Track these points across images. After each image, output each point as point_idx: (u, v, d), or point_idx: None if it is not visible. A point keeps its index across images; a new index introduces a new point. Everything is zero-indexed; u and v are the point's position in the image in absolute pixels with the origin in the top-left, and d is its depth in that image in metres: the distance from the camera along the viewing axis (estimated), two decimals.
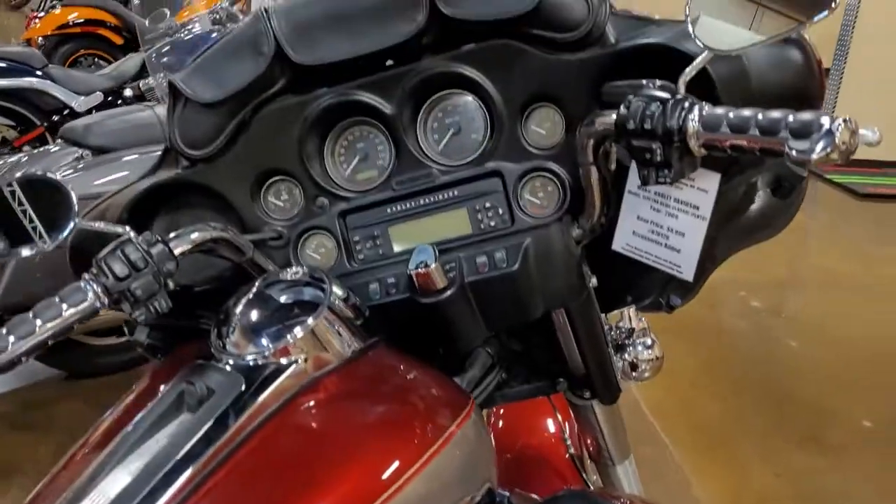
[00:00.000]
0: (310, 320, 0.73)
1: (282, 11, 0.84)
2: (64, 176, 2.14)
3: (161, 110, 2.44)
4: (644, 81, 0.74)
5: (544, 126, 0.86)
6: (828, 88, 6.11)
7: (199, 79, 0.85)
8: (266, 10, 0.84)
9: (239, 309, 0.76)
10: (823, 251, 4.58)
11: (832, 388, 2.94)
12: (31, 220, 0.77)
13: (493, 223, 0.86)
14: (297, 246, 0.90)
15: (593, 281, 0.91)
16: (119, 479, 0.67)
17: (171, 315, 0.76)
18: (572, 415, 1.13)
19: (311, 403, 0.72)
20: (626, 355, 1.11)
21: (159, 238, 0.75)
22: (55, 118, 3.77)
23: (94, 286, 0.71)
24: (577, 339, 0.95)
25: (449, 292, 0.81)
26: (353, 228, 0.88)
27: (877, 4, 5.90)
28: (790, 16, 0.68)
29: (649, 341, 1.11)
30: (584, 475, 1.22)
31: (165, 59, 3.91)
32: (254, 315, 0.76)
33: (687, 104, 0.67)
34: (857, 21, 5.91)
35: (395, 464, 0.67)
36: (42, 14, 5.50)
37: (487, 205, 0.86)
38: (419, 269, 0.80)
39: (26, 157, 2.36)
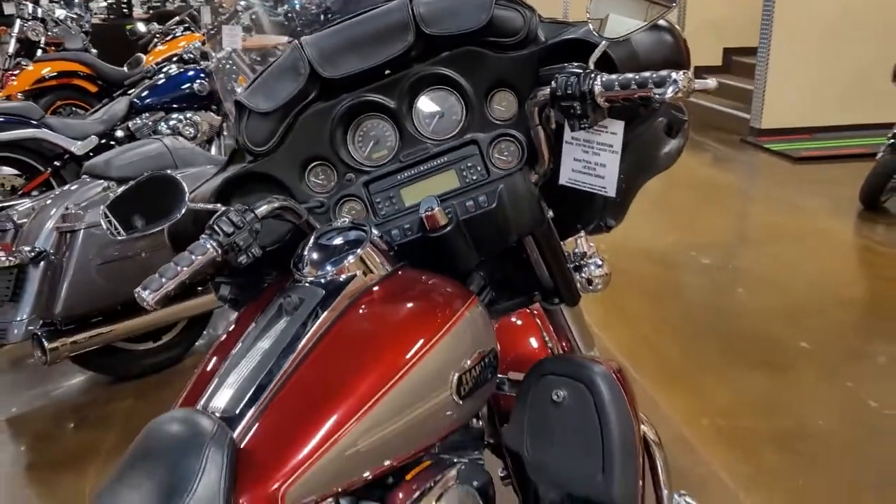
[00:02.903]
0: (359, 250, 1.07)
1: (311, 43, 1.18)
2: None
3: (168, 141, 2.75)
4: (566, 65, 1.10)
5: (503, 104, 1.21)
6: (757, 61, 6.61)
7: (257, 96, 1.19)
8: (301, 42, 1.18)
9: (307, 249, 1.10)
10: (764, 210, 5.04)
11: (776, 323, 3.34)
12: (156, 205, 1.11)
13: (474, 177, 1.19)
14: (336, 210, 1.23)
15: (550, 213, 1.25)
16: (249, 365, 1.01)
17: (248, 272, 1.08)
18: (548, 322, 1.47)
19: (368, 302, 1.06)
20: (583, 274, 1.45)
21: (247, 207, 1.08)
22: (57, 163, 4.09)
23: (212, 241, 1.04)
24: (543, 258, 1.29)
25: (449, 227, 1.14)
26: (374, 193, 1.21)
27: None
28: (657, 6, 1.05)
29: (599, 261, 1.46)
30: None
31: (149, 100, 4.26)
32: (319, 251, 1.10)
33: (593, 75, 1.03)
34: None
35: (429, 334, 1.02)
36: (16, 72, 5.79)
37: (469, 165, 1.19)
38: (427, 213, 1.13)
39: (58, 192, 2.64)
